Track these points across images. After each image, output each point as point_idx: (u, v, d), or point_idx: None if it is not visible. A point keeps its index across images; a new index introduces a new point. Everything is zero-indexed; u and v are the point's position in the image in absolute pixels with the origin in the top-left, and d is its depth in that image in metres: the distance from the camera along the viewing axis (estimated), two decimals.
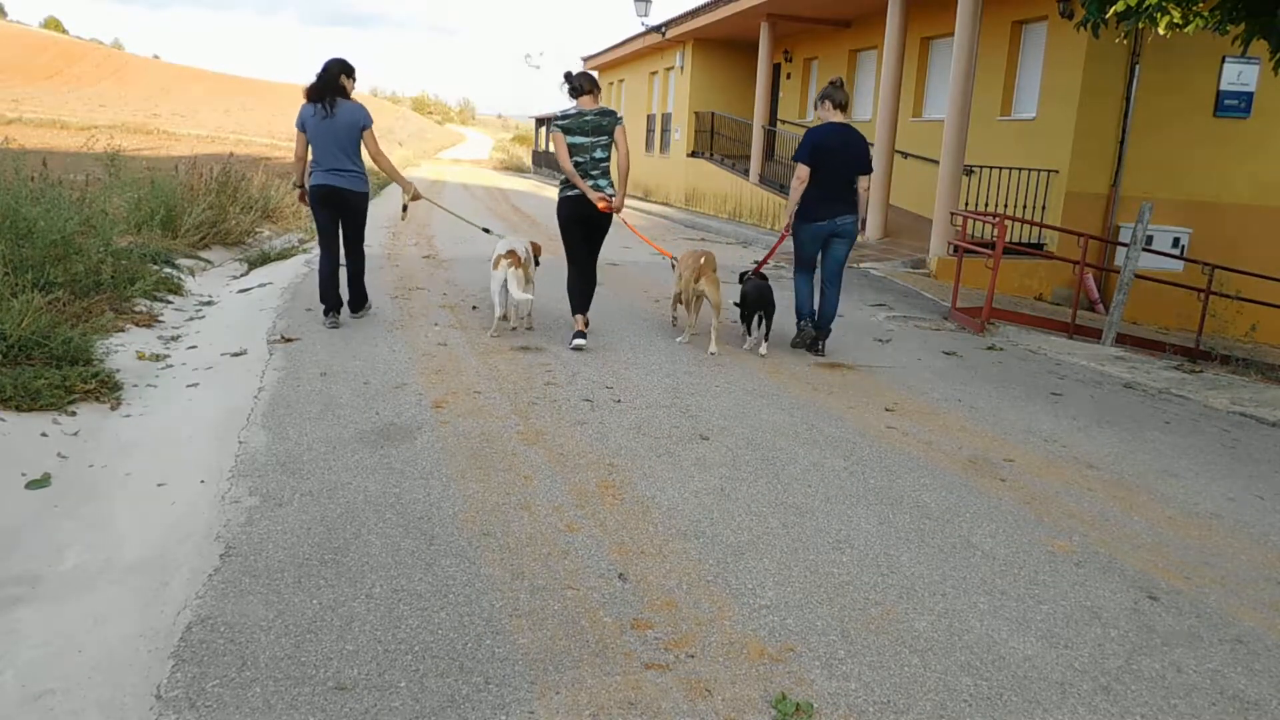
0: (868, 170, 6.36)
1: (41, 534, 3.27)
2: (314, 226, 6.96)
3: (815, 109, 6.44)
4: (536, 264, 6.82)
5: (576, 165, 6.06)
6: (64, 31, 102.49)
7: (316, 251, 7.02)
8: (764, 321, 6.51)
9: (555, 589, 2.96)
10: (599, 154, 6.11)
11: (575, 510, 3.59)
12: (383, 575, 3.01)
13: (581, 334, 6.27)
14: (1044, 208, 11.56)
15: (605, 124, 6.06)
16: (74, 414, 4.38)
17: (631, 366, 5.88)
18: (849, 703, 2.45)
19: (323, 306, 6.58)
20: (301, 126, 6.27)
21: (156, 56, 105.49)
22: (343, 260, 6.74)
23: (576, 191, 6.11)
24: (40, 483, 3.65)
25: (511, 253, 6.27)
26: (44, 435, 4.07)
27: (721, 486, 3.91)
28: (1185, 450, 4.91)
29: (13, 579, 2.93)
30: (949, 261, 10.69)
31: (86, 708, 2.32)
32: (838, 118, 6.29)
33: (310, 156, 6.32)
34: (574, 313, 6.39)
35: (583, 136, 6.04)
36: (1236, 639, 2.90)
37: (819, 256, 6.52)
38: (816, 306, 6.60)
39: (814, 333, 6.54)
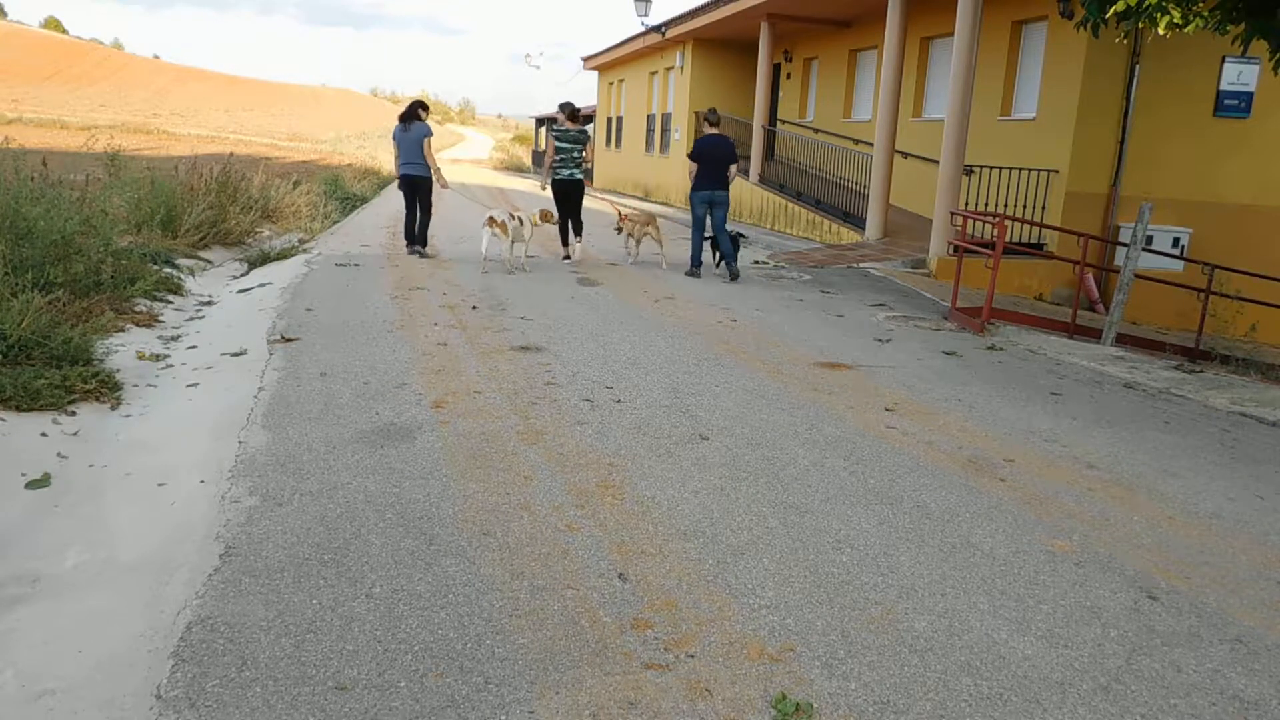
0: (734, 161, 10.13)
1: (41, 534, 3.27)
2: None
3: (702, 127, 10.45)
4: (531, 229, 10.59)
5: (560, 160, 10.51)
6: (64, 31, 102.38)
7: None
8: (716, 251, 10.58)
9: (555, 589, 2.97)
10: (575, 154, 10.53)
11: (575, 510, 3.59)
12: (383, 575, 3.01)
13: (567, 257, 10.93)
14: (1044, 208, 11.55)
15: (580, 137, 10.56)
16: (74, 414, 4.38)
17: (631, 366, 5.88)
18: (849, 703, 2.45)
19: (407, 243, 10.79)
20: (394, 137, 10.49)
21: (156, 56, 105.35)
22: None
23: (561, 176, 10.57)
24: (40, 483, 3.65)
25: (492, 219, 9.57)
26: (44, 435, 4.07)
27: (721, 486, 3.91)
28: (1185, 450, 4.91)
29: (13, 579, 2.93)
30: (949, 261, 10.69)
31: (86, 708, 2.32)
32: (714, 131, 10.25)
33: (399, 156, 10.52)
34: (563, 244, 11.04)
35: (566, 144, 10.50)
36: (1236, 639, 2.90)
37: (708, 220, 10.26)
38: (717, 255, 10.52)
39: (696, 271, 10.34)
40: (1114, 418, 5.49)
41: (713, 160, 10.06)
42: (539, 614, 2.81)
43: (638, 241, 11.04)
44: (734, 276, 10.10)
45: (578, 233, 10.91)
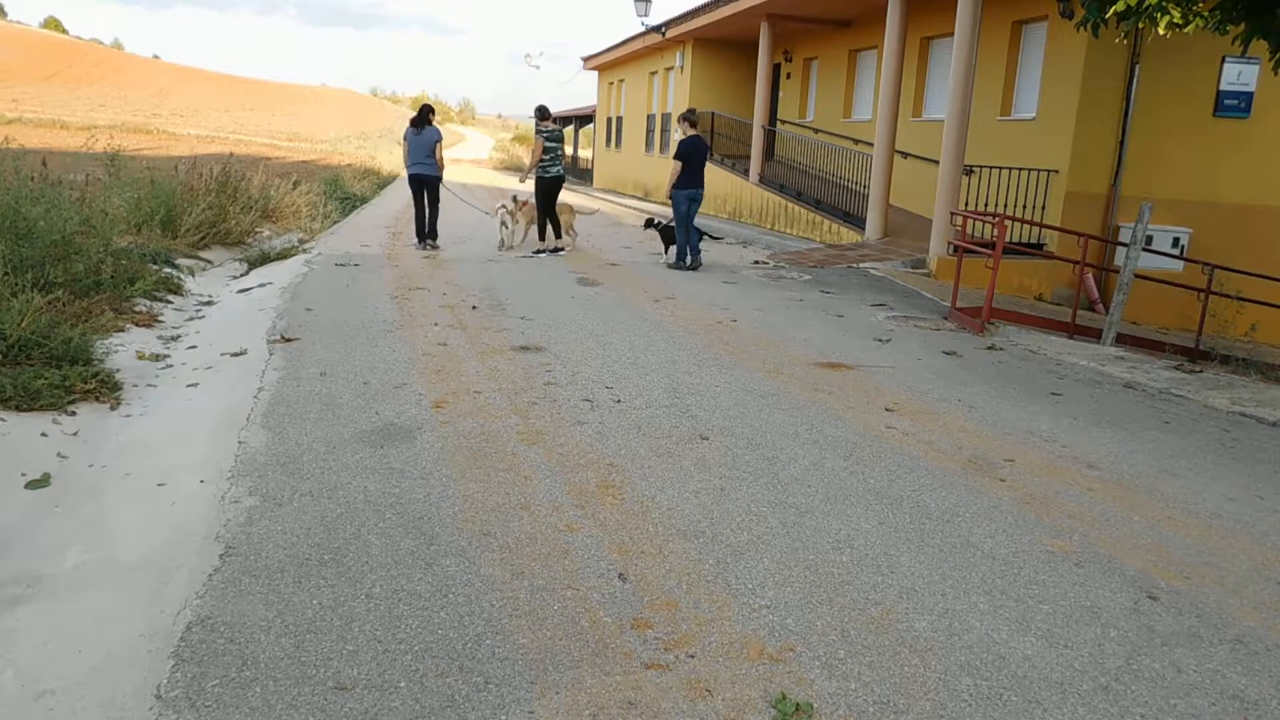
0: (708, 160, 11.47)
1: (41, 534, 3.27)
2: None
3: (678, 129, 11.24)
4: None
5: (550, 158, 11.35)
6: (64, 31, 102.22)
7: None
8: (670, 246, 11.09)
9: (555, 589, 2.97)
10: (558, 152, 11.52)
11: (575, 510, 3.59)
12: (383, 575, 3.01)
13: (557, 250, 11.52)
14: (1044, 208, 11.53)
15: (561, 135, 11.77)
16: (74, 414, 4.38)
17: (631, 366, 5.88)
18: (849, 703, 2.45)
19: (416, 239, 11.63)
20: (405, 138, 11.44)
21: (156, 56, 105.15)
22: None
23: (551, 174, 11.43)
24: (40, 483, 3.65)
25: (503, 206, 11.74)
26: (44, 435, 4.07)
27: (721, 486, 3.91)
28: (1185, 450, 4.91)
29: (13, 579, 2.93)
30: (949, 261, 10.69)
31: (86, 708, 2.32)
32: (692, 132, 10.87)
33: (409, 156, 11.41)
34: (540, 238, 11.72)
35: (553, 143, 11.47)
36: (1236, 639, 2.90)
37: (688, 213, 10.81)
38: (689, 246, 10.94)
39: (688, 263, 10.87)
40: (1114, 418, 5.49)
41: (696, 159, 10.72)
42: (539, 614, 2.81)
43: (527, 226, 12.11)
44: (694, 267, 10.90)
45: (554, 229, 11.78)
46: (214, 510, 3.46)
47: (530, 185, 11.78)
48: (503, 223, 11.69)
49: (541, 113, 11.99)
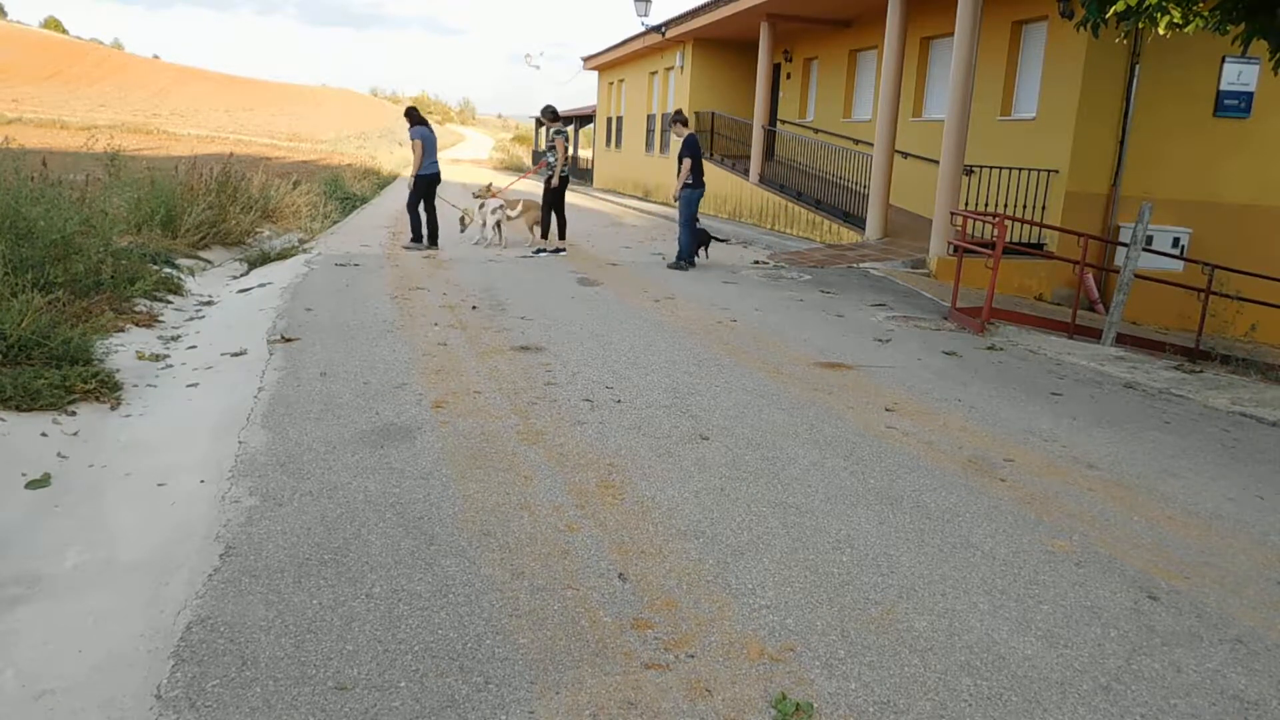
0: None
1: (41, 534, 3.27)
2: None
3: (673, 131, 11.14)
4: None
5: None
6: (64, 31, 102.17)
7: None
8: (704, 247, 11.45)
9: (555, 589, 2.97)
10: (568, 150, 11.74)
11: (575, 510, 3.59)
12: (383, 575, 3.01)
13: (557, 249, 11.50)
14: (1044, 208, 11.54)
15: (568, 135, 11.82)
16: (74, 414, 4.38)
17: (631, 366, 5.88)
18: (849, 703, 2.45)
19: (427, 242, 11.44)
20: (421, 138, 11.25)
21: (156, 56, 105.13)
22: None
23: (565, 174, 11.57)
24: (40, 483, 3.65)
25: (501, 206, 11.90)
26: (44, 435, 4.07)
27: (721, 486, 3.91)
28: (1185, 450, 4.91)
29: (13, 579, 2.93)
30: (949, 261, 10.69)
31: (86, 708, 2.32)
32: (687, 131, 11.00)
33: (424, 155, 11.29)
34: (543, 235, 11.69)
35: (565, 141, 11.61)
36: (1236, 639, 2.90)
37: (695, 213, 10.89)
38: (684, 243, 10.98)
39: (682, 265, 10.85)
40: (1114, 418, 5.49)
41: (698, 158, 10.81)
42: (539, 614, 2.81)
43: (498, 225, 12.05)
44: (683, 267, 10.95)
45: (563, 230, 11.84)
46: (214, 510, 3.46)
47: (512, 182, 11.77)
48: (499, 222, 11.87)
49: (552, 113, 12.01)
